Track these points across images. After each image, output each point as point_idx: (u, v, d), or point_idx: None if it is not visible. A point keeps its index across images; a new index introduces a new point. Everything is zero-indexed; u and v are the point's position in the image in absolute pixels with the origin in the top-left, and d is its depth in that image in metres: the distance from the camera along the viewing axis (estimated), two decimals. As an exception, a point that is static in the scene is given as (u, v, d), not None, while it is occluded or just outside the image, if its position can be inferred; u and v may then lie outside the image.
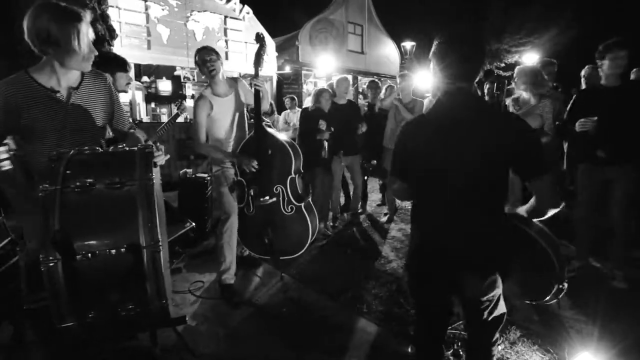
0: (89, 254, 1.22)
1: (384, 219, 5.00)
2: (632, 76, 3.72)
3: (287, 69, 11.65)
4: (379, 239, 4.39)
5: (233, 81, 3.09)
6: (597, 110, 2.92)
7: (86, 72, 1.83)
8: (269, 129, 3.19)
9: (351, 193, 5.02)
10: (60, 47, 1.60)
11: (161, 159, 1.86)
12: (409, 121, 1.70)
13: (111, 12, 6.89)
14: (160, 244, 1.27)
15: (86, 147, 1.50)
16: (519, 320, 2.59)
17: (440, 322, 1.73)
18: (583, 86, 4.07)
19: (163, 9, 7.89)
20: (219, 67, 2.89)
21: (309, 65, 12.78)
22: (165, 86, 12.23)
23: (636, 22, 17.96)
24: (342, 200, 5.29)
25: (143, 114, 11.23)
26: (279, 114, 7.93)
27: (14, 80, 1.66)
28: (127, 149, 1.50)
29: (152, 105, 12.18)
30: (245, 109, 3.19)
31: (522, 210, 1.55)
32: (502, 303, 1.57)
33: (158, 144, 2.11)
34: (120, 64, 2.76)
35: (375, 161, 4.88)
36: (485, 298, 1.49)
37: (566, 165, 4.34)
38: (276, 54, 10.97)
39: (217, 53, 2.89)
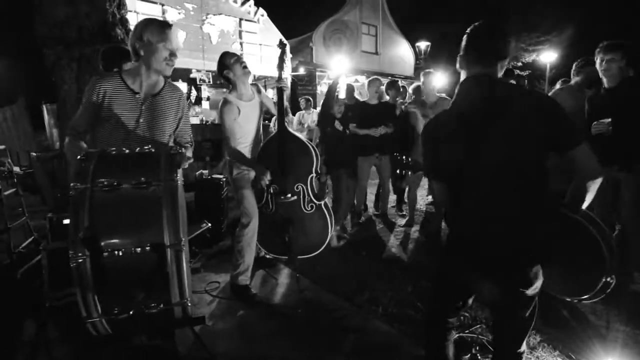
0: (115, 252, 1.25)
1: (401, 221, 4.98)
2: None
3: (302, 71, 11.70)
4: (394, 240, 4.37)
5: (255, 87, 3.14)
6: (601, 113, 2.92)
7: (168, 83, 2.09)
8: (291, 129, 3.23)
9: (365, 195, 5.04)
10: (149, 48, 1.87)
11: (184, 161, 1.91)
12: (431, 119, 1.70)
13: (129, 17, 7.02)
14: (183, 243, 1.30)
15: (113, 148, 1.54)
16: (539, 324, 2.54)
17: (453, 307, 1.72)
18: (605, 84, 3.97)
19: (179, 13, 8.02)
20: None
21: (323, 66, 12.81)
22: (181, 88, 12.42)
23: None
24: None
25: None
26: (293, 114, 7.97)
27: (108, 78, 1.93)
28: (153, 150, 1.54)
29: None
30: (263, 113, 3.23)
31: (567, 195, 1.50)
32: (535, 302, 1.54)
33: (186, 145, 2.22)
34: (126, 54, 2.79)
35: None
36: (523, 290, 1.47)
37: None
38: (290, 55, 11.01)
39: None
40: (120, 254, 1.25)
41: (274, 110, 3.20)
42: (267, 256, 3.52)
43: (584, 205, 1.44)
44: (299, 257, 3.21)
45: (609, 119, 2.87)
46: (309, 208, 3.13)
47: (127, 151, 1.49)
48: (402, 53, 17.44)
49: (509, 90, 1.46)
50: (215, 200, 4.55)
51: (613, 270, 1.39)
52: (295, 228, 3.11)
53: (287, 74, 10.88)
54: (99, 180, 1.30)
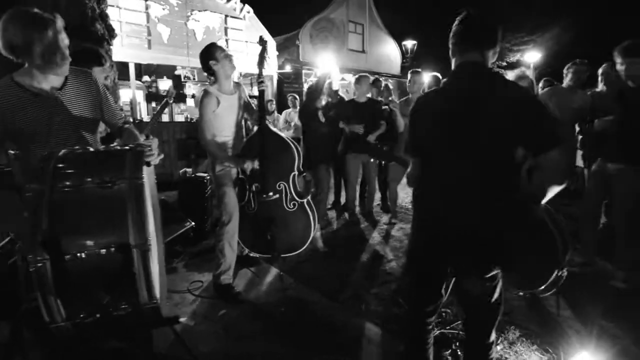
0: (78, 254, 1.21)
1: (385, 218, 4.99)
2: (600, 70, 3.69)
3: (288, 68, 11.64)
4: (379, 238, 4.37)
5: (236, 84, 3.11)
6: (620, 110, 2.96)
7: (71, 69, 1.85)
8: (272, 127, 3.21)
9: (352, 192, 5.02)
10: (31, 53, 1.63)
11: (154, 158, 1.85)
12: (421, 95, 1.73)
13: (111, 12, 6.89)
14: (149, 243, 1.26)
15: (77, 147, 1.49)
16: (518, 320, 2.57)
17: (430, 299, 1.71)
18: (600, 85, 4.04)
19: (164, 9, 7.88)
20: None
21: (309, 64, 12.77)
22: (166, 85, 12.25)
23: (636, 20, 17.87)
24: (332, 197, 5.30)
25: (144, 114, 11.26)
26: (279, 113, 7.93)
27: (0, 85, 1.70)
28: (118, 147, 1.49)
29: (153, 104, 12.22)
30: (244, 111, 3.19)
31: (526, 189, 1.52)
32: (500, 290, 1.55)
33: (151, 137, 2.10)
34: (93, 58, 2.68)
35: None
36: (487, 277, 1.48)
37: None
38: (277, 53, 10.95)
39: None
40: (84, 256, 1.21)
41: (252, 106, 3.17)
42: (251, 255, 3.49)
43: (544, 201, 1.45)
44: (282, 255, 3.19)
45: (611, 117, 2.94)
46: (292, 206, 3.10)
47: (91, 150, 1.45)
48: (388, 51, 17.47)
49: (496, 80, 1.48)
50: (199, 199, 4.49)
51: (564, 263, 1.41)
52: (278, 226, 3.09)
53: (274, 72, 10.87)
54: (59, 181, 1.25)
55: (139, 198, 1.31)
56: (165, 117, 13.27)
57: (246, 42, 9.67)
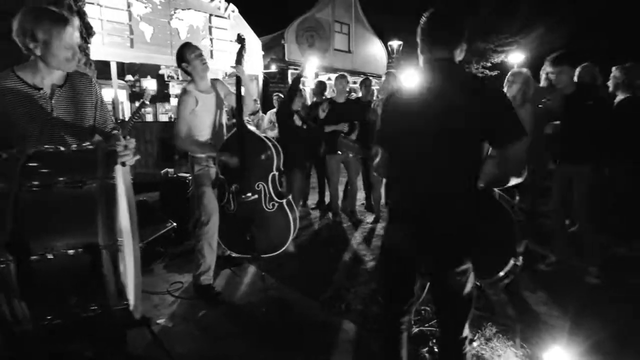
0: (46, 255, 1.19)
1: (369, 218, 5.02)
2: (578, 69, 3.83)
3: (273, 68, 11.61)
4: (362, 238, 4.39)
5: (213, 81, 3.10)
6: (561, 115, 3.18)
7: (71, 72, 1.88)
8: (251, 127, 3.19)
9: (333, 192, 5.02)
10: (46, 48, 1.67)
11: (129, 158, 1.83)
12: (393, 90, 1.76)
13: (92, 10, 6.78)
14: (119, 244, 1.25)
15: (47, 146, 1.46)
16: (495, 316, 2.62)
17: (403, 298, 1.72)
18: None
19: (146, 7, 7.75)
20: None
21: (295, 64, 12.75)
22: (150, 85, 12.11)
23: (619, 22, 18.33)
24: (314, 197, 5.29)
25: (127, 113, 11.09)
26: (265, 113, 7.89)
27: (2, 78, 1.72)
28: (90, 147, 1.47)
29: (137, 104, 12.09)
30: (225, 109, 3.18)
31: (482, 179, 1.56)
32: (471, 283, 1.56)
33: (128, 137, 2.10)
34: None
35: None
36: (456, 270, 1.50)
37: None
38: (262, 52, 10.89)
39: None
40: (51, 257, 1.19)
41: (231, 101, 3.15)
42: (233, 255, 3.47)
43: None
44: (262, 255, 3.18)
45: (558, 122, 3.13)
46: (271, 207, 3.10)
47: (62, 149, 1.42)
48: (374, 51, 17.57)
49: (464, 76, 1.52)
50: (181, 199, 4.45)
51: (519, 252, 1.46)
52: (257, 227, 3.08)
53: (259, 72, 10.80)
54: (27, 180, 1.23)
55: (110, 198, 1.29)
56: (149, 117, 13.11)
57: (231, 41, 9.58)
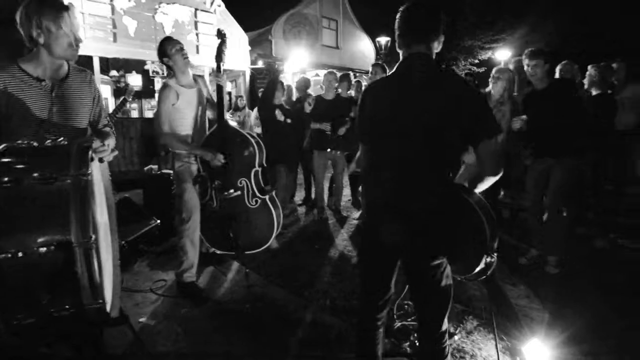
0: (17, 253, 1.17)
1: (355, 214, 5.03)
2: (559, 67, 3.91)
3: (260, 64, 11.51)
4: (347, 234, 4.41)
5: (196, 77, 3.07)
6: (532, 111, 3.21)
7: (72, 66, 1.92)
8: (232, 122, 3.17)
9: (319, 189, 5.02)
10: (49, 35, 1.71)
11: (107, 154, 1.81)
12: (371, 83, 1.76)
13: (74, 3, 6.62)
14: (93, 241, 1.23)
15: (20, 141, 1.43)
16: (476, 310, 2.66)
17: (380, 290, 1.73)
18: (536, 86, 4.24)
19: (129, 0, 7.61)
20: None
21: (282, 59, 12.66)
22: (135, 80, 11.90)
23: (604, 18, 18.65)
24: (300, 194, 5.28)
25: (111, 109, 10.90)
26: (252, 109, 7.84)
27: (2, 69, 1.74)
28: (65, 143, 1.44)
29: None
30: (207, 106, 3.15)
31: (461, 178, 1.58)
32: (447, 277, 1.58)
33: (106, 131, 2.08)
34: None
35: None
36: (432, 264, 1.51)
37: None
38: (249, 48, 10.79)
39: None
40: (22, 255, 1.16)
41: (212, 99, 3.14)
42: (217, 252, 3.45)
43: (478, 190, 1.52)
44: (246, 252, 3.17)
45: (525, 116, 3.18)
46: (254, 203, 3.08)
47: (35, 144, 1.39)
48: (362, 48, 17.56)
49: (440, 72, 1.53)
50: (165, 196, 4.39)
51: (493, 249, 1.48)
52: (240, 224, 3.07)
53: (246, 67, 10.71)
54: (-1, 176, 1.20)
55: (84, 195, 1.27)
56: (134, 113, 12.90)
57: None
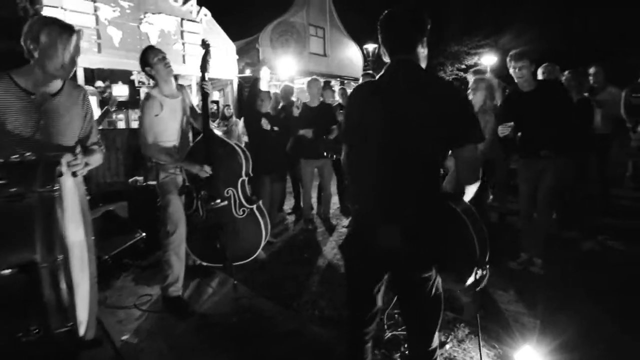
0: (-22, 276, 1.10)
1: (345, 221, 4.98)
2: (540, 70, 3.95)
3: (248, 72, 11.48)
4: (336, 242, 4.35)
5: (179, 86, 3.03)
6: (519, 113, 3.16)
7: (68, 82, 1.93)
8: (217, 132, 3.12)
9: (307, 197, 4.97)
10: (44, 51, 1.72)
11: (80, 168, 1.75)
12: (357, 86, 1.73)
13: (56, 13, 6.56)
14: (60, 261, 1.16)
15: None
16: (468, 317, 2.62)
17: (367, 303, 1.67)
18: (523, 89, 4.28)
19: (114, 11, 7.55)
20: None
21: (270, 68, 12.64)
22: (121, 90, 11.77)
23: (589, 24, 19.04)
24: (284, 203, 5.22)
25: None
26: (240, 118, 7.78)
27: None
28: (32, 158, 1.38)
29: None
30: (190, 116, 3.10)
31: (448, 184, 1.56)
32: (437, 291, 1.53)
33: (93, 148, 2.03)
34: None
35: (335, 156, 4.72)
36: (421, 276, 1.46)
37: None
38: (237, 57, 10.77)
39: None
40: (-17, 277, 1.10)
41: (196, 110, 3.10)
42: (204, 264, 3.37)
43: (466, 198, 1.48)
44: (234, 263, 3.10)
45: (512, 122, 3.12)
46: (241, 213, 3.03)
47: (1, 160, 1.32)
48: (350, 55, 17.64)
49: (424, 77, 1.49)
50: (151, 209, 4.30)
51: (483, 262, 1.42)
52: (228, 234, 3.01)
53: (234, 76, 10.68)
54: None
55: (50, 212, 1.21)
56: (121, 124, 12.75)
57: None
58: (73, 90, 1.95)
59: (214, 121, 8.60)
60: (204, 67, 3.03)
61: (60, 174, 1.35)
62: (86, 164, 1.81)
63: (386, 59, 1.55)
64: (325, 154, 4.46)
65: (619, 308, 2.67)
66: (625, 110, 4.56)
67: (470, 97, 3.64)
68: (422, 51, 1.50)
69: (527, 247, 3.43)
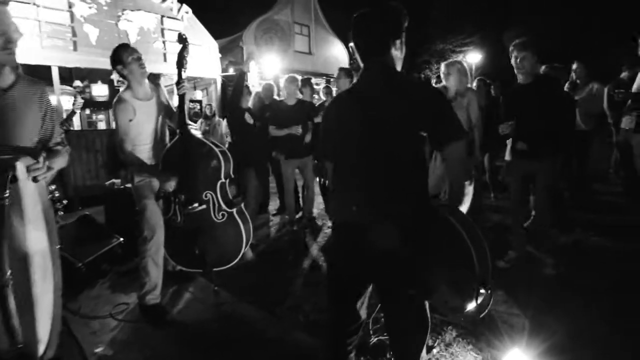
0: None
1: (329, 222, 4.90)
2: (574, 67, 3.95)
3: (231, 71, 11.27)
4: (321, 243, 4.26)
5: (154, 85, 2.89)
6: (516, 108, 3.08)
7: (23, 76, 1.77)
8: (195, 132, 2.99)
9: (295, 196, 4.88)
10: None
11: (41, 173, 1.62)
12: (333, 98, 1.65)
13: (27, 10, 6.33)
14: (8, 277, 1.05)
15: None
16: (456, 319, 2.55)
17: (350, 315, 1.58)
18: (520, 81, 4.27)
19: (90, 7, 7.27)
20: None
21: (247, 59, 12.44)
22: (101, 90, 11.49)
23: (572, 22, 19.35)
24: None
25: (76, 122, 10.45)
26: (223, 117, 7.63)
27: None
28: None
29: (87, 111, 11.41)
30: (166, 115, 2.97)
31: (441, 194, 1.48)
32: (423, 309, 1.46)
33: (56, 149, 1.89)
34: None
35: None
36: (403, 293, 1.39)
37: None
38: (220, 55, 10.56)
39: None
40: None
41: (172, 109, 2.98)
42: (183, 270, 3.24)
43: (463, 208, 1.41)
44: (214, 269, 2.98)
45: (512, 122, 3.04)
46: (220, 217, 2.90)
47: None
48: (336, 53, 17.54)
49: (401, 79, 1.42)
50: (129, 212, 4.15)
51: (486, 279, 1.26)
52: (207, 239, 2.89)
53: (217, 75, 10.48)
54: None
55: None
56: (101, 125, 12.43)
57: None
58: (30, 86, 1.78)
59: (195, 121, 8.43)
60: (180, 63, 2.89)
61: (14, 180, 1.22)
62: (49, 168, 1.66)
63: (361, 63, 1.48)
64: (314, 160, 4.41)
65: (609, 307, 2.64)
66: (609, 106, 4.58)
67: (444, 82, 3.59)
68: (397, 53, 1.43)
69: (517, 245, 3.37)
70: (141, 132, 2.74)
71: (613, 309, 2.63)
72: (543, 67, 4.05)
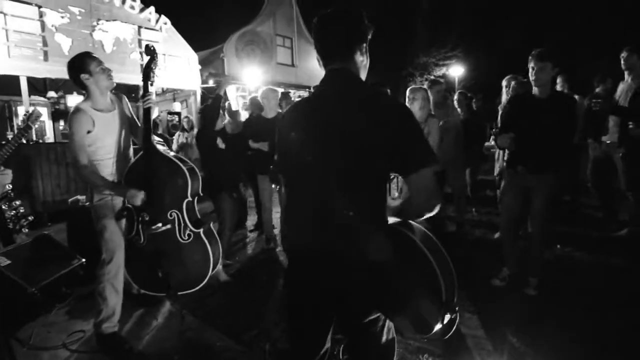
0: None
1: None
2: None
3: (212, 83, 11.14)
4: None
5: (116, 97, 2.73)
6: (523, 121, 2.93)
7: None
8: (160, 148, 2.82)
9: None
10: None
11: None
12: (288, 108, 1.50)
13: (-4, 19, 6.10)
14: None
15: None
16: (431, 346, 2.43)
17: (314, 348, 1.43)
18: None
19: (62, 17, 7.07)
20: None
21: (235, 78, 12.34)
22: (76, 101, 11.14)
23: (558, 35, 19.85)
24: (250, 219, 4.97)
25: (49, 134, 10.12)
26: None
27: None
28: None
29: (61, 123, 11.05)
30: (130, 129, 2.81)
31: (390, 208, 1.31)
32: (389, 330, 1.34)
33: (2, 168, 1.74)
34: None
35: None
36: (365, 319, 1.26)
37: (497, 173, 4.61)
38: (199, 67, 10.43)
39: None
40: None
41: (137, 123, 2.82)
42: (146, 293, 3.04)
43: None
44: (179, 293, 2.80)
45: (512, 134, 2.90)
46: (186, 237, 2.73)
47: None
48: (319, 65, 17.57)
49: (362, 89, 1.29)
50: (92, 231, 3.92)
51: (452, 303, 1.15)
52: (171, 261, 2.70)
53: (197, 87, 10.32)
54: None
55: None
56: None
57: (164, 55, 9.08)
58: None
59: (173, 134, 8.22)
60: (147, 75, 2.71)
61: None
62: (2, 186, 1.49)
63: (322, 69, 1.34)
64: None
65: (592, 326, 2.56)
66: (585, 120, 4.51)
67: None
68: (362, 59, 1.30)
69: (510, 264, 3.24)
70: (101, 145, 2.56)
71: (594, 328, 2.55)
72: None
